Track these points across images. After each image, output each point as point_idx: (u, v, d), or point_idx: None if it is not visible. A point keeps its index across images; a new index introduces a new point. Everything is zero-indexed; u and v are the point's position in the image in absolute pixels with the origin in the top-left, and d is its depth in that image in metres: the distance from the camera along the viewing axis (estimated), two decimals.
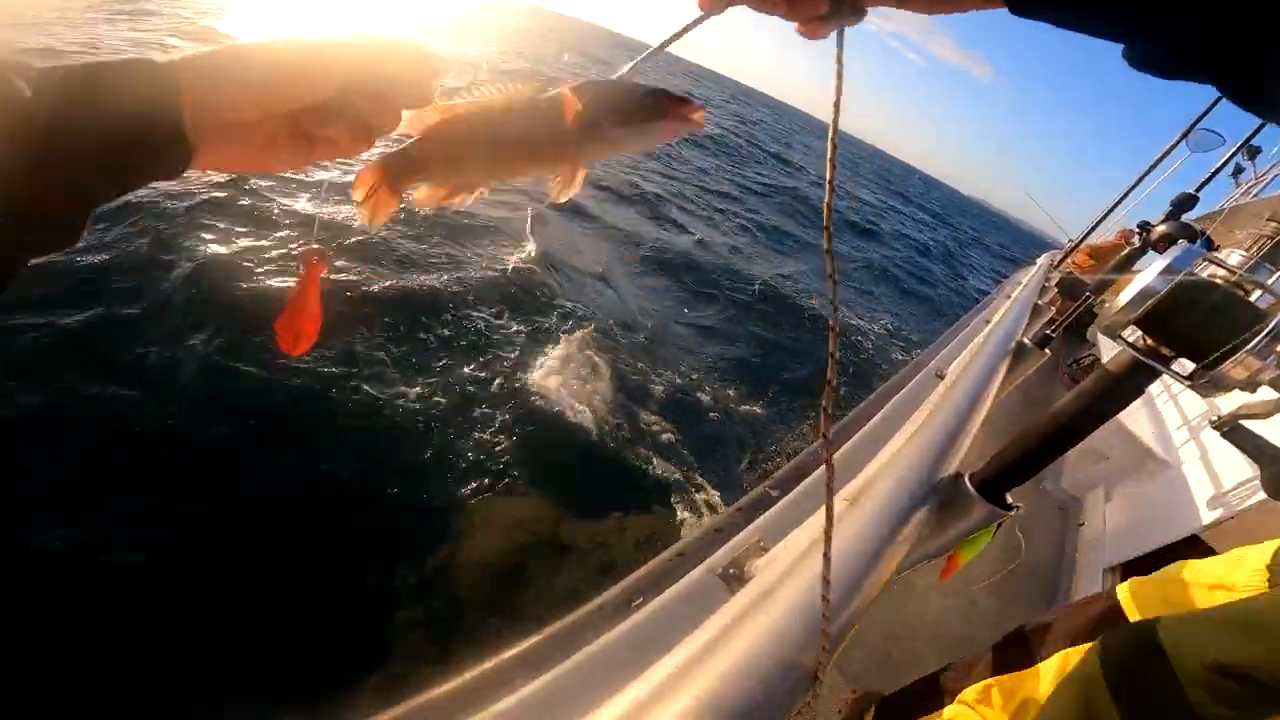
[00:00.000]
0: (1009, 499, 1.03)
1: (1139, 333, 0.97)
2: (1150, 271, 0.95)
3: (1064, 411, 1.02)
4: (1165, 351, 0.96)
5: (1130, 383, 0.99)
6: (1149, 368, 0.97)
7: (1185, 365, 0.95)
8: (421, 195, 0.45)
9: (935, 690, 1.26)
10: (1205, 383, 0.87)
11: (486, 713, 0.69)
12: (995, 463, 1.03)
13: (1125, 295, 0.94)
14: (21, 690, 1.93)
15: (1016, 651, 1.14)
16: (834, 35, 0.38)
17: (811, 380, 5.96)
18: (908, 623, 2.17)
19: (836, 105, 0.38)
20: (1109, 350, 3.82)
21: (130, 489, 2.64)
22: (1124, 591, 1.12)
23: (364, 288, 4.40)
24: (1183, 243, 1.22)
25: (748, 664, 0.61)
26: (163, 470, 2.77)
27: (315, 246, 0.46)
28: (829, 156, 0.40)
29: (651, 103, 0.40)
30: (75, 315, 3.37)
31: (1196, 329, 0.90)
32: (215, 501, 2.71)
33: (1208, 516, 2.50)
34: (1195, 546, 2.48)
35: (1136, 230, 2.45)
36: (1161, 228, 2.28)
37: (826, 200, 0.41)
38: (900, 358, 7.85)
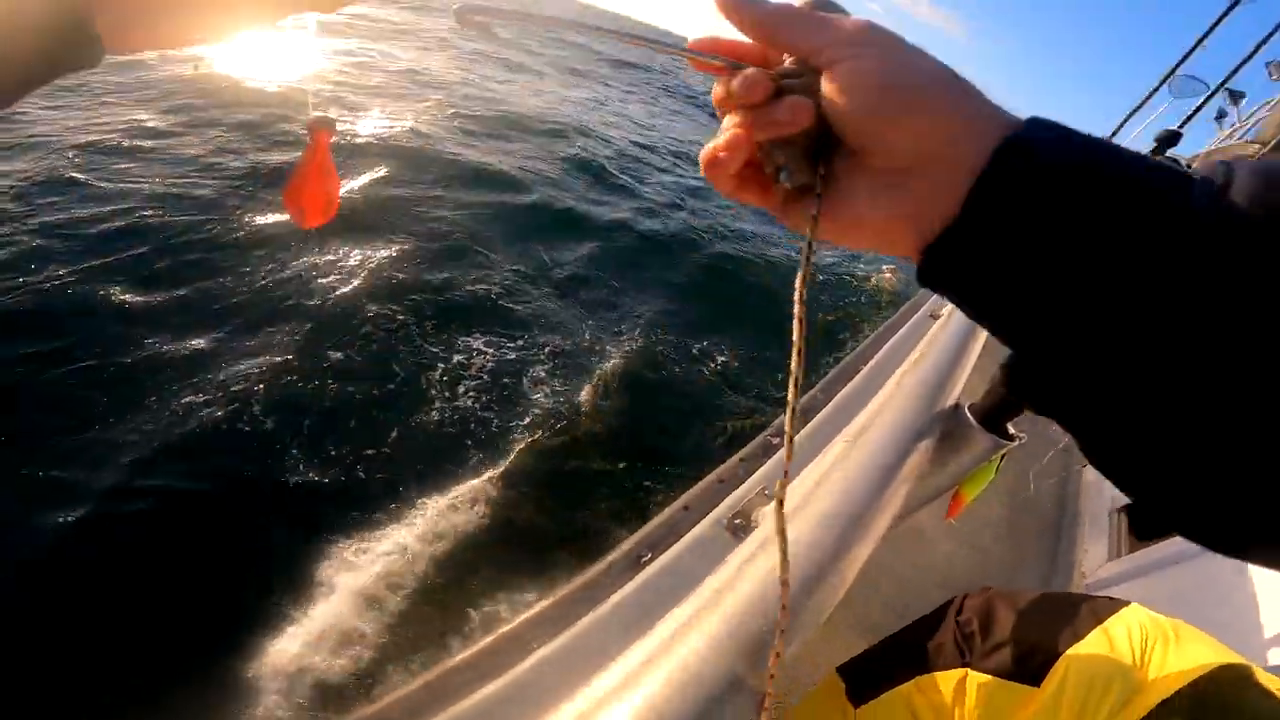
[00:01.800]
0: (1010, 429, 1.02)
1: None
2: None
3: None
4: None
5: None
6: None
7: None
8: None
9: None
10: None
11: (505, 678, 0.69)
12: (993, 391, 1.01)
13: None
14: None
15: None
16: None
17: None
18: (920, 569, 2.17)
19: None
20: None
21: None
22: None
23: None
24: None
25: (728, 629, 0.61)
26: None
27: (319, 115, 0.47)
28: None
29: None
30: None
31: None
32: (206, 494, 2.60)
33: None
34: None
35: None
36: None
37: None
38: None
